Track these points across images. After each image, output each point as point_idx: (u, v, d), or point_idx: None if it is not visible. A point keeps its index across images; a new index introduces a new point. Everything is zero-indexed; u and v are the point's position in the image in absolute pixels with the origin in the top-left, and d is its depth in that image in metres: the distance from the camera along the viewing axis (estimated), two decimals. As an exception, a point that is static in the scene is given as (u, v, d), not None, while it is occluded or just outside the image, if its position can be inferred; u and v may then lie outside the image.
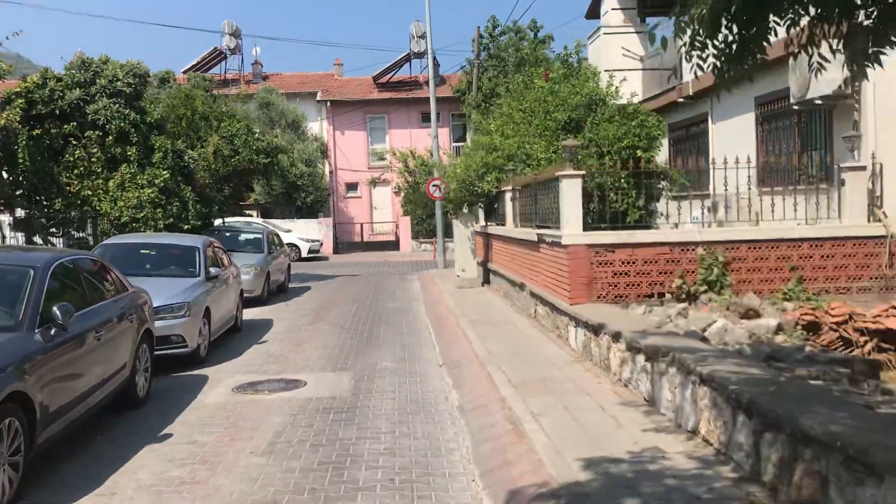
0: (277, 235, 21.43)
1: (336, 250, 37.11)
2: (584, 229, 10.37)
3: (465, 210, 20.26)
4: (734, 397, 5.33)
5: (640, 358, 7.33)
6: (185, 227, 17.05)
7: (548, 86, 17.48)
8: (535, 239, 12.15)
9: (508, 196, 15.64)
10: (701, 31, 3.80)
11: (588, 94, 16.52)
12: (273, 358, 10.98)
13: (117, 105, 16.70)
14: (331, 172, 42.02)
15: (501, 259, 16.71)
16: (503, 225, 16.70)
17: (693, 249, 10.27)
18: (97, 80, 16.85)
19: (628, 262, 10.18)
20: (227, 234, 19.85)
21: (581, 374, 8.57)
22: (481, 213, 20.29)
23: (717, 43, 3.94)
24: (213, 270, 11.73)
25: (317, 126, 41.97)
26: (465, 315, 13.82)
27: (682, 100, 16.91)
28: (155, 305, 10.05)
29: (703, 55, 4.04)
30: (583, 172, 10.47)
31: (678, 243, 10.26)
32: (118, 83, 16.96)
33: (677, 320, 9.13)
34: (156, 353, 9.80)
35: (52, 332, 6.27)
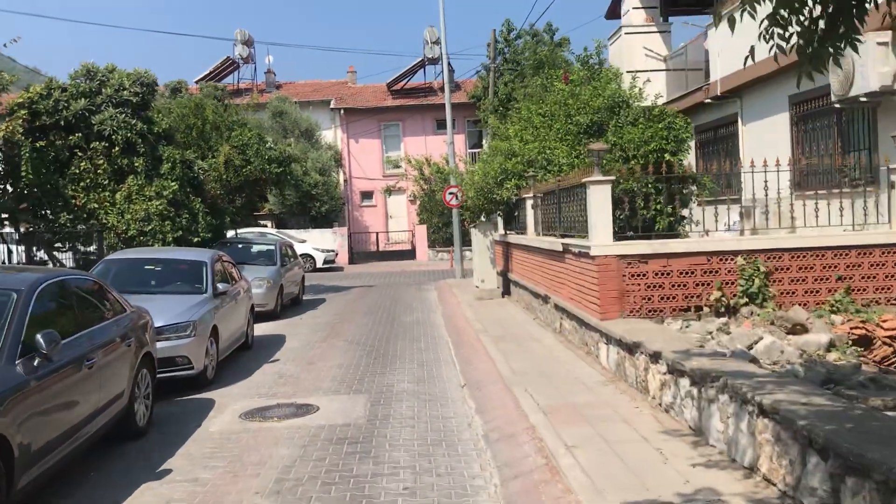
0: (291, 247, 20.87)
1: (351, 260, 36.55)
2: (613, 238, 9.69)
3: (483, 218, 19.61)
4: (805, 434, 4.63)
5: (685, 382, 6.64)
6: (195, 239, 16.50)
7: (568, 88, 16.84)
8: (560, 249, 11.48)
9: (529, 203, 14.98)
10: (784, 5, 3.15)
11: (610, 96, 15.88)
12: (284, 379, 10.35)
13: (124, 115, 16.19)
14: (345, 181, 41.50)
15: (522, 269, 16.05)
16: (524, 234, 16.04)
17: (732, 259, 9.56)
18: (103, 90, 16.35)
19: (662, 274, 9.48)
20: (240, 247, 19.34)
21: (616, 398, 7.88)
22: (500, 222, 19.64)
23: (801, 18, 3.29)
24: (220, 286, 11.13)
25: (330, 134, 41.50)
26: (485, 329, 13.16)
27: (709, 100, 16.21)
28: (158, 325, 9.51)
29: (786, 34, 3.39)
30: (612, 178, 9.80)
31: (716, 253, 9.55)
32: (124, 92, 16.46)
33: (719, 337, 8.43)
34: (160, 375, 9.27)
35: (36, 362, 5.66)
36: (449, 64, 30.31)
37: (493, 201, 17.39)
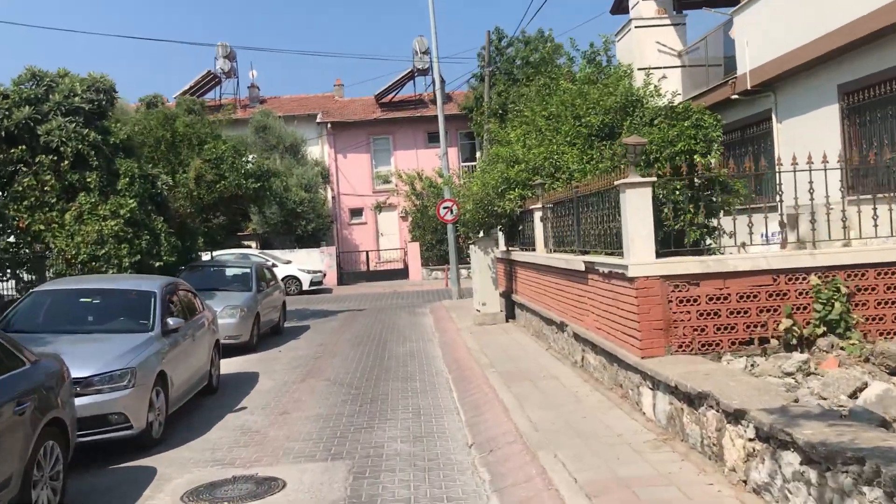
0: (269, 269, 18.87)
1: (340, 281, 34.50)
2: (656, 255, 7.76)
3: (481, 234, 17.67)
4: None
5: (792, 458, 4.70)
6: (157, 264, 14.52)
7: (576, 87, 15.02)
8: (582, 269, 9.55)
9: (538, 216, 13.07)
10: None
11: (624, 94, 14.07)
12: (248, 436, 8.36)
13: (75, 124, 14.21)
14: (333, 198, 39.56)
15: (529, 291, 14.10)
16: (530, 250, 14.11)
17: (804, 278, 7.64)
18: (51, 96, 14.40)
19: (718, 298, 7.55)
20: (211, 270, 17.37)
21: (677, 469, 5.92)
22: (501, 237, 17.74)
23: None
24: (172, 322, 9.13)
25: (317, 150, 39.61)
26: (491, 363, 11.20)
27: (736, 96, 14.35)
28: (86, 375, 7.59)
29: None
30: (653, 179, 7.87)
31: (784, 271, 7.63)
32: (76, 99, 14.51)
33: (806, 382, 6.50)
34: (88, 439, 7.39)
35: None
36: (440, 75, 28.47)
37: (493, 214, 15.47)
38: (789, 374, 6.80)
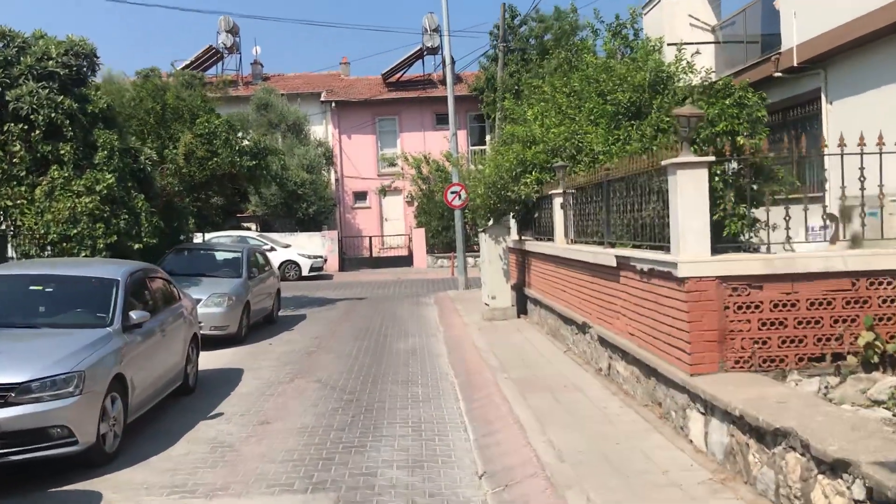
0: (263, 254, 17.56)
1: (342, 267, 33.15)
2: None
3: (490, 221, 16.31)
4: None
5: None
6: (136, 246, 13.20)
7: (601, 61, 13.67)
8: (613, 264, 8.23)
9: (557, 202, 11.74)
10: None
11: (654, 69, 12.73)
12: (219, 453, 7.09)
13: (48, 90, 12.88)
14: (336, 180, 38.22)
15: (545, 285, 12.80)
16: (547, 240, 12.79)
17: (889, 283, 6.32)
18: (22, 59, 13.07)
19: (785, 305, 6.24)
20: (201, 253, 16.10)
21: (749, 525, 4.64)
22: (513, 225, 16.43)
23: None
24: (135, 316, 7.84)
25: (321, 130, 38.23)
26: (503, 366, 9.91)
27: (779, 74, 12.95)
28: (21, 381, 6.34)
29: None
30: (711, 159, 6.53)
31: (866, 273, 6.30)
32: (50, 63, 13.15)
33: (907, 415, 5.19)
34: (25, 456, 6.22)
35: None
36: (451, 54, 27.03)
37: (506, 200, 14.14)
38: (879, 403, 5.50)
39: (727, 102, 11.26)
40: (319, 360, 11.87)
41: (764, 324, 6.24)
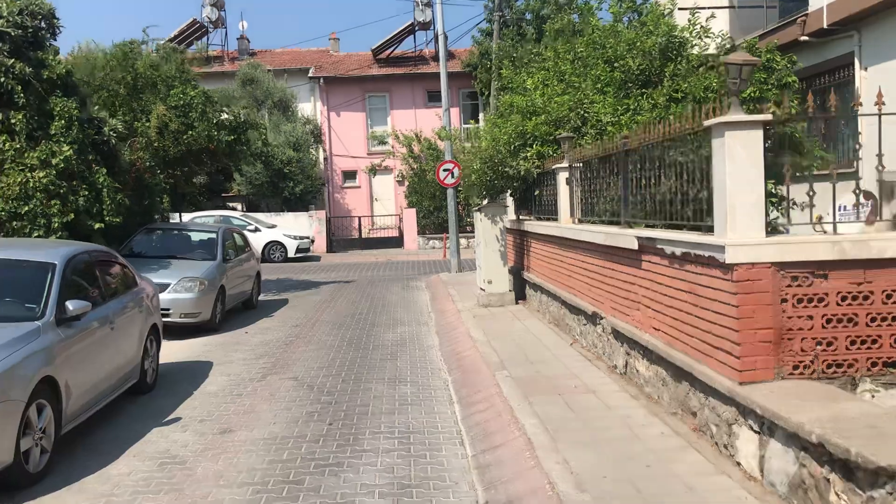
0: (242, 234, 16.31)
1: (330, 248, 31.93)
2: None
3: (484, 199, 15.09)
4: None
5: None
6: (97, 225, 11.98)
7: (609, 26, 12.50)
8: (634, 246, 7.05)
9: (562, 178, 10.54)
10: None
11: (666, 33, 11.59)
12: (167, 471, 5.92)
13: (-2, 53, 11.62)
14: (325, 159, 36.91)
15: (548, 269, 11.64)
16: (550, 219, 11.63)
17: (982, 271, 5.17)
18: (-33, 18, 11.78)
19: (855, 298, 5.09)
20: (173, 234, 14.92)
21: None
22: (510, 203, 15.25)
23: None
24: (72, 306, 6.63)
25: (309, 107, 36.87)
26: (503, 362, 8.76)
27: (806, 38, 11.76)
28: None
29: None
30: (767, 117, 5.32)
31: (956, 259, 5.15)
32: (1, 22, 11.87)
33: None
34: None
35: None
36: (443, 26, 25.65)
37: (504, 176, 12.92)
38: None
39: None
40: (297, 352, 10.70)
41: (829, 321, 5.09)
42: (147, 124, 16.09)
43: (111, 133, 13.22)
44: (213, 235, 14.19)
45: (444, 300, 15.33)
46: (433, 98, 35.86)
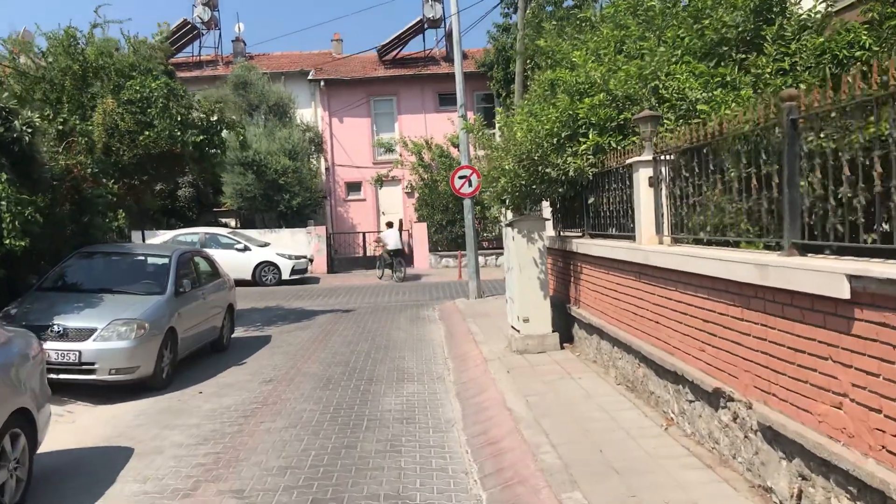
0: (208, 258, 12.80)
1: (331, 268, 28.56)
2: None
3: (508, 212, 11.79)
4: None
5: None
6: (-8, 250, 8.78)
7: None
8: (834, 293, 3.73)
9: (643, 176, 7.18)
10: None
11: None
12: None
13: None
14: (327, 169, 33.72)
15: (612, 308, 8.33)
16: (614, 237, 8.35)
17: None
18: None
19: None
20: (113, 260, 11.31)
21: None
22: (547, 215, 12.00)
23: None
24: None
25: (310, 113, 33.73)
26: (569, 472, 5.44)
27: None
28: None
29: None
30: None
31: None
32: None
33: None
34: None
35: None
36: (458, 13, 22.38)
37: (546, 180, 9.61)
38: None
39: (893, 23, 7.05)
40: (257, 433, 7.40)
41: None
42: (88, 123, 12.93)
43: (24, 129, 10.00)
44: (166, 261, 10.79)
45: (463, 340, 12.02)
46: (444, 101, 32.70)
